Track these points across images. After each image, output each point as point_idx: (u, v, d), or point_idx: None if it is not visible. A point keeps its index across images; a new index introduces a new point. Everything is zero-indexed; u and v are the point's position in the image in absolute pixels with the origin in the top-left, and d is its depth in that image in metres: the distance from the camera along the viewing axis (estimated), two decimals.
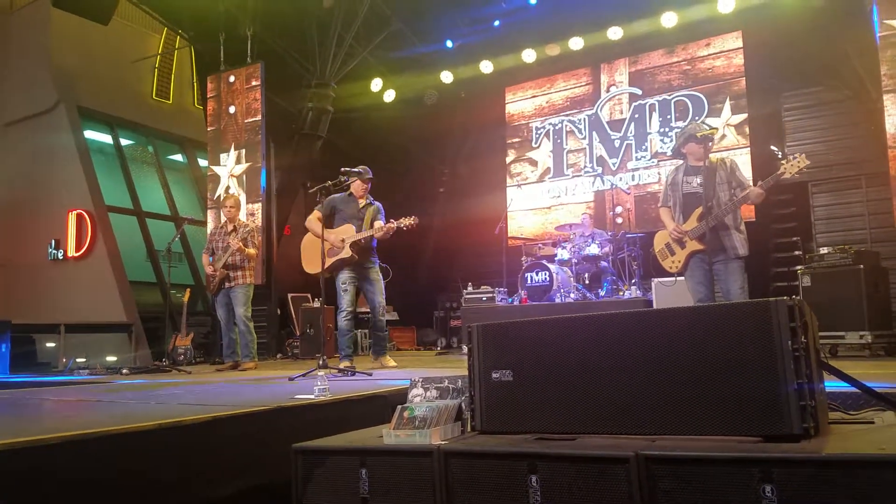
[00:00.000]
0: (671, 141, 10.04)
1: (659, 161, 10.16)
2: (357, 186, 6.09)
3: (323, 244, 5.66)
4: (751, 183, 4.95)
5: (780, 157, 9.66)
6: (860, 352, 5.77)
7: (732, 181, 4.85)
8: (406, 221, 5.85)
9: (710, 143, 4.96)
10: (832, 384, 2.30)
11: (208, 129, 10.36)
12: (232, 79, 10.01)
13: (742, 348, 1.90)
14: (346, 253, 5.88)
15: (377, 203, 6.19)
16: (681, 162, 5.12)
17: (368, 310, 6.39)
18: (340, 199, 6.14)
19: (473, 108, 12.28)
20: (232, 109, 9.99)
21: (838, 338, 5.75)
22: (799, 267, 6.42)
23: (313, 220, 6.08)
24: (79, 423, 2.53)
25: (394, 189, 10.19)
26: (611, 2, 9.96)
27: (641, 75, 10.60)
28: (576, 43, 10.54)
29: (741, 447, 1.78)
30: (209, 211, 10.25)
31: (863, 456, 1.61)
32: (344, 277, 5.95)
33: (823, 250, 6.22)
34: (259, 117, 9.72)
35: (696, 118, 9.86)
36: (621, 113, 10.69)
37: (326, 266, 5.78)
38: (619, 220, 9.11)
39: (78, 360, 8.43)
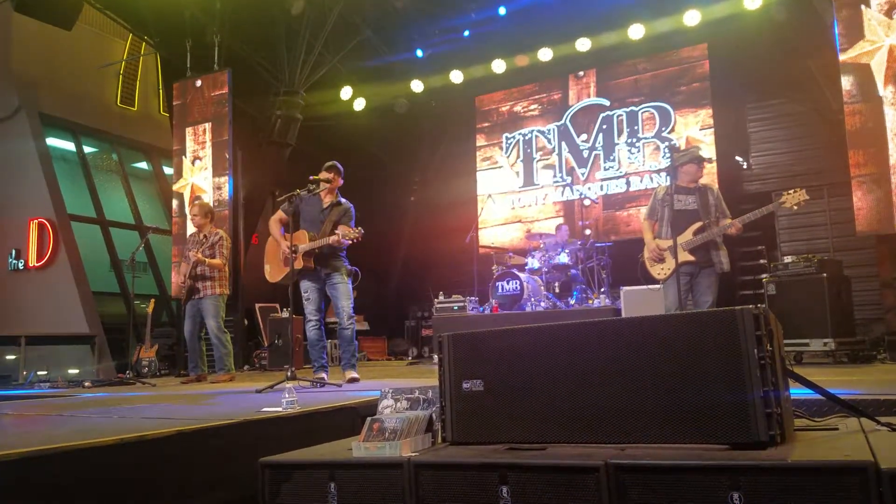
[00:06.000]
0: (638, 151, 10.17)
1: (626, 172, 10.29)
2: (323, 184, 5.58)
3: (281, 249, 5.42)
4: (730, 214, 5.29)
5: (745, 167, 9.89)
6: (824, 359, 5.87)
7: (718, 206, 5.22)
8: (351, 234, 5.24)
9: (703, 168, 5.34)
10: (797, 391, 2.33)
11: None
12: (199, 83, 9.86)
13: (709, 357, 1.92)
14: (299, 263, 5.30)
15: (347, 203, 5.61)
16: (666, 183, 5.33)
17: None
18: (307, 197, 5.57)
19: (444, 118, 12.31)
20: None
21: (803, 345, 5.83)
22: (764, 275, 6.51)
23: (274, 221, 5.66)
24: (39, 439, 2.46)
25: (364, 198, 10.11)
26: (579, 14, 10.09)
27: (609, 87, 10.73)
28: (545, 54, 10.65)
29: (709, 455, 1.80)
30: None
31: (828, 463, 1.63)
32: (305, 286, 5.49)
33: (787, 259, 6.31)
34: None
35: (664, 129, 10.02)
36: (590, 123, 10.79)
37: (282, 277, 5.43)
38: (588, 232, 9.21)
39: (39, 372, 8.24)
